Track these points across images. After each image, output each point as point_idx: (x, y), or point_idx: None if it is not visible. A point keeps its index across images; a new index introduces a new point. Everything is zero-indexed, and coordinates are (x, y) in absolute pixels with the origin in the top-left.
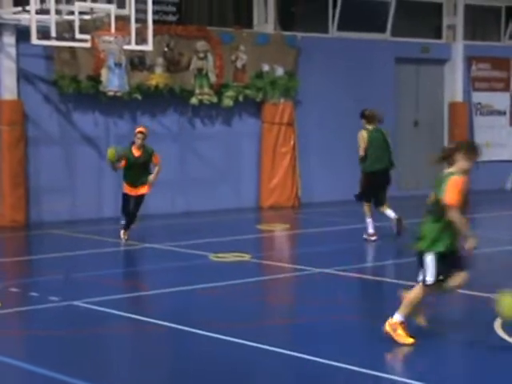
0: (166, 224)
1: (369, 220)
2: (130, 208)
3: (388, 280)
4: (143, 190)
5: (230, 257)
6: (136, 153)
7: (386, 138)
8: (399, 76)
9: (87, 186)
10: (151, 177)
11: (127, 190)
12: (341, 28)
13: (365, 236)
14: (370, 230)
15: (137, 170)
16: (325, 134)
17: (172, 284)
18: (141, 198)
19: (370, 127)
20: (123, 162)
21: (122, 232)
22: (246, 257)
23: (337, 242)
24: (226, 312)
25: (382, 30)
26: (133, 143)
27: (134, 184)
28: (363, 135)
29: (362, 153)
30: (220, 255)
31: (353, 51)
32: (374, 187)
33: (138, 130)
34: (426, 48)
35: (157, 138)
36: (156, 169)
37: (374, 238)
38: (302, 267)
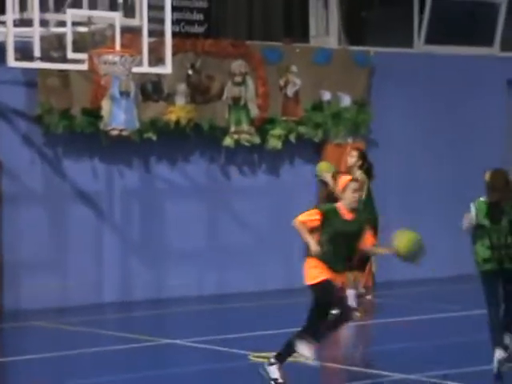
0: (191, 311)
1: None
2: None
3: None
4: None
5: None
6: (346, 215)
7: None
8: None
9: (82, 259)
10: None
11: (326, 273)
12: (430, 40)
13: None
14: None
15: (345, 245)
16: (409, 187)
17: None
18: None
19: None
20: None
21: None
22: (301, 357)
23: (426, 336)
24: None
25: (488, 42)
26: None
27: (337, 268)
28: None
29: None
30: (264, 354)
31: (447, 71)
32: None
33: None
34: None
35: (178, 192)
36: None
37: None
38: (379, 372)
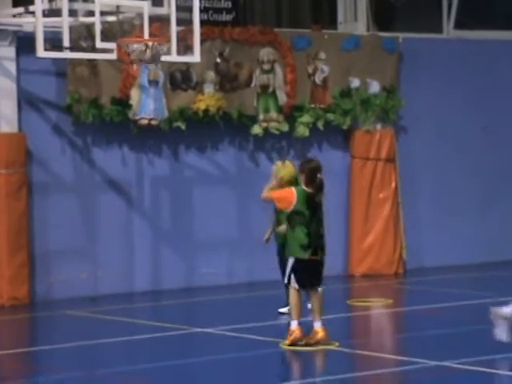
0: (221, 299)
1: None
2: None
3: None
4: None
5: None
6: None
7: None
8: None
9: (113, 248)
10: None
11: None
12: (460, 25)
13: None
14: None
15: None
16: (440, 173)
17: None
18: None
19: None
20: None
21: None
22: (332, 344)
23: (458, 322)
24: None
25: None
26: None
27: None
28: None
29: None
30: None
31: (477, 56)
32: None
33: None
34: None
35: (207, 180)
36: None
37: None
38: (411, 359)
